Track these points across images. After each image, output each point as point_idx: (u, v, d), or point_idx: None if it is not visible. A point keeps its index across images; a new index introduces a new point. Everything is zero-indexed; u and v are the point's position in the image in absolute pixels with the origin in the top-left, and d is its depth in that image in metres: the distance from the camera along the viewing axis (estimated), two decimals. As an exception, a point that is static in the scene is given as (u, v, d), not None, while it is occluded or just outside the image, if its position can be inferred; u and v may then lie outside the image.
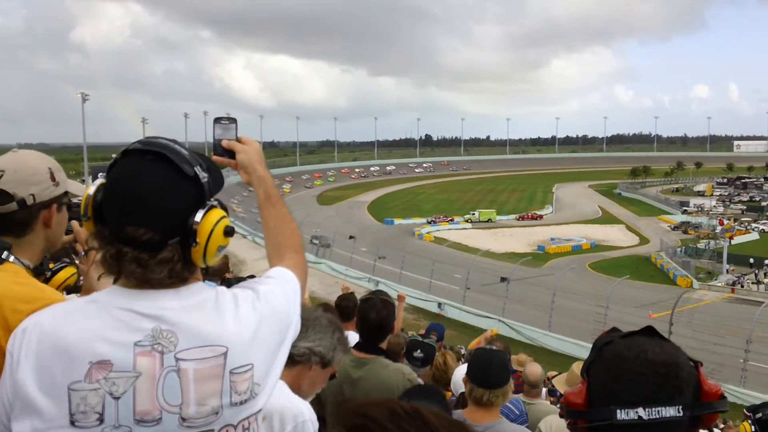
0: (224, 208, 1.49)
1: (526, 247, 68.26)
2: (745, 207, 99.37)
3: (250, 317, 1.46)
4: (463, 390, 3.63)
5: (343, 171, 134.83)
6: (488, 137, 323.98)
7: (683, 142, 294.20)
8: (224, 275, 6.23)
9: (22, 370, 1.34)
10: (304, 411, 2.21)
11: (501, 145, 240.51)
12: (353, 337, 3.89)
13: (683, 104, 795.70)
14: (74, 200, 2.12)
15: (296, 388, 2.40)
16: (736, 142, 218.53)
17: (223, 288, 1.52)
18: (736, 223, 79.45)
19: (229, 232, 1.47)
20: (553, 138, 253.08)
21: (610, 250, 68.25)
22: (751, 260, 58.01)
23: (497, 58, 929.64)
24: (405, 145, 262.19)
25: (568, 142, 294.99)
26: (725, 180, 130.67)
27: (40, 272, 2.07)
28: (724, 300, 47.50)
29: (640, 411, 1.27)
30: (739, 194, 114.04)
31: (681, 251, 62.15)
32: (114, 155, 1.49)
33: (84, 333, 1.35)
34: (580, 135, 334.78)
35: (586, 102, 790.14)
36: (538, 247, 68.27)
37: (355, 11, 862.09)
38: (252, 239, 59.38)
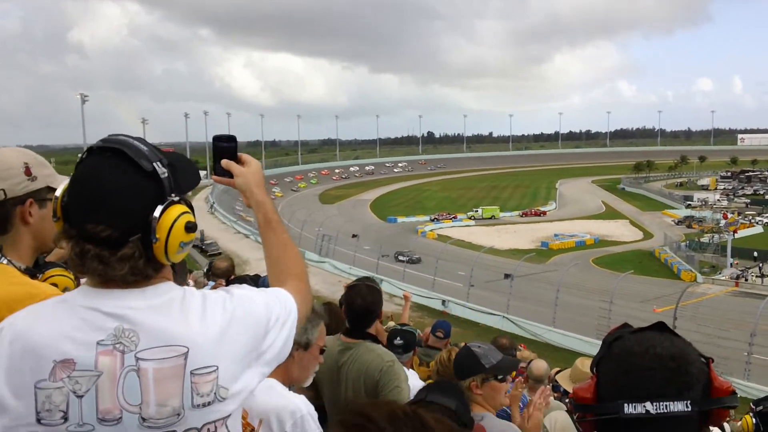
0: (188, 204, 1.48)
1: (529, 244, 68.18)
2: (749, 200, 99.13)
3: (217, 318, 1.45)
4: None
5: (323, 172, 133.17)
6: (491, 134, 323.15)
7: (687, 136, 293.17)
8: (230, 276, 6.29)
9: None
10: (301, 406, 2.22)
11: (504, 141, 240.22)
12: None
13: (687, 98, 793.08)
14: None
15: (290, 380, 2.42)
16: (740, 136, 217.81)
17: (193, 289, 1.52)
18: (740, 217, 79.33)
19: (191, 227, 1.46)
20: (556, 134, 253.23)
21: (613, 245, 68.17)
22: (755, 254, 57.86)
23: (499, 54, 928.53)
24: (407, 143, 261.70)
25: (572, 138, 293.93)
26: (729, 174, 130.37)
27: (32, 275, 2.02)
28: (728, 294, 47.39)
29: (648, 405, 1.26)
30: (743, 188, 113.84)
31: (685, 245, 61.99)
32: (79, 154, 1.50)
33: (51, 332, 1.37)
34: (583, 130, 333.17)
35: (589, 97, 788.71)
36: (542, 243, 68.21)
37: (356, 8, 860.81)
38: (255, 239, 59.46)
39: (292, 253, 1.80)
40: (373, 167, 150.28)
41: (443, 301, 37.65)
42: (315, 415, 2.29)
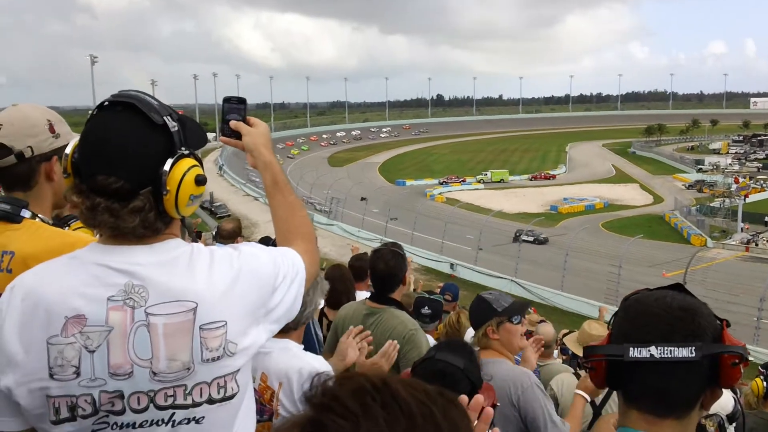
0: (198, 159, 1.49)
1: (539, 208, 68.14)
2: (761, 165, 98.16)
3: (225, 274, 1.45)
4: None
5: (312, 138, 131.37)
6: (501, 97, 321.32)
7: (699, 99, 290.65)
8: (237, 238, 6.26)
9: (7, 326, 1.38)
10: (317, 366, 2.23)
11: (514, 104, 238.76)
12: (365, 297, 3.97)
13: (699, 61, 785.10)
14: None
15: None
16: (752, 99, 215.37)
17: (200, 245, 1.52)
18: (752, 181, 78.74)
19: (200, 180, 1.47)
20: (567, 96, 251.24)
21: (623, 209, 67.97)
22: (767, 218, 57.59)
23: (511, 15, 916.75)
24: (416, 106, 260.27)
25: (582, 101, 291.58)
26: (741, 137, 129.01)
27: (59, 226, 2.07)
28: (739, 259, 47.32)
29: (653, 349, 1.26)
30: (755, 152, 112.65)
31: (695, 210, 61.75)
32: (90, 111, 1.49)
33: (62, 289, 1.38)
34: (594, 93, 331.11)
35: (600, 59, 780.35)
36: (551, 207, 68.15)
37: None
38: (264, 201, 59.45)
39: (299, 214, 1.81)
40: (359, 131, 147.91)
41: (451, 265, 37.79)
42: (332, 373, 2.29)
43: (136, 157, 1.39)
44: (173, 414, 1.40)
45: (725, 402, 3.55)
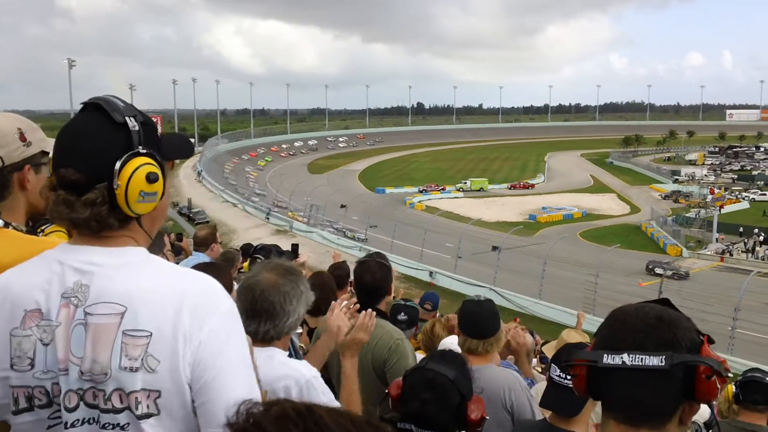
0: (157, 160, 1.53)
1: (517, 216, 68.46)
2: (736, 176, 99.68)
3: (168, 288, 1.45)
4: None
5: (272, 149, 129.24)
6: (481, 105, 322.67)
7: (676, 110, 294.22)
8: (211, 245, 6.18)
9: None
10: (304, 371, 2.24)
11: (494, 113, 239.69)
12: None
13: (677, 72, 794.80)
14: None
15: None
16: (728, 111, 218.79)
17: (160, 258, 1.56)
18: (727, 192, 79.82)
19: (152, 178, 1.49)
20: (546, 106, 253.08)
21: (601, 219, 68.53)
22: (741, 229, 58.39)
23: (493, 24, 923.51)
24: (397, 114, 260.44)
25: (561, 111, 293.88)
26: (717, 149, 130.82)
27: (32, 233, 2.07)
28: (714, 269, 47.88)
29: (624, 356, 1.28)
30: (730, 163, 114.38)
31: (671, 220, 62.48)
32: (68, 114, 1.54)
33: (27, 284, 1.47)
34: (573, 103, 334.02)
35: (580, 70, 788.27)
36: (530, 216, 68.52)
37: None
38: (243, 208, 59.32)
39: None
40: (316, 141, 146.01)
41: (431, 273, 37.80)
42: (319, 377, 2.29)
43: (94, 151, 1.47)
44: (99, 416, 1.41)
45: (702, 410, 3.57)
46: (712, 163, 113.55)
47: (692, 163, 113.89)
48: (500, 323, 3.38)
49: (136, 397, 1.39)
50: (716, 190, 78.01)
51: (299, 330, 3.19)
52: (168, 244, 5.28)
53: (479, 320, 3.30)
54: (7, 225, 1.94)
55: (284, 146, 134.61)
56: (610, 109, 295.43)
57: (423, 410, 2.14)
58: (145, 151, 1.50)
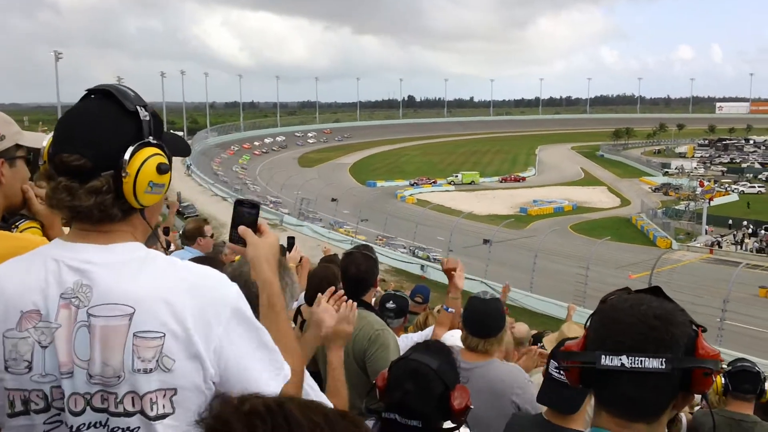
0: (165, 152, 1.49)
1: (508, 209, 68.58)
2: (725, 168, 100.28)
3: (174, 285, 1.41)
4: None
5: (244, 146, 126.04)
6: (472, 98, 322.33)
7: (666, 103, 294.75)
8: (198, 239, 6.13)
9: None
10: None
11: (485, 106, 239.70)
12: None
13: (667, 65, 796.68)
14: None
15: None
16: (718, 104, 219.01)
17: (159, 253, 1.50)
18: (716, 185, 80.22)
19: (162, 169, 1.46)
20: (537, 99, 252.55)
21: (591, 211, 68.82)
22: (730, 221, 58.77)
23: (484, 17, 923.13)
24: (388, 107, 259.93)
25: (552, 104, 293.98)
26: (707, 142, 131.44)
27: (6, 229, 2.02)
28: (703, 261, 48.16)
29: (624, 358, 1.27)
30: (719, 156, 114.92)
31: (661, 213, 62.77)
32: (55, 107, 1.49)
33: (21, 284, 1.40)
34: (564, 96, 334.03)
35: (570, 62, 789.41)
36: (521, 209, 68.70)
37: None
38: (232, 202, 59.07)
39: (287, 346, 1.61)
40: (284, 137, 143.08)
41: (422, 266, 37.85)
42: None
43: (102, 137, 1.41)
44: (108, 419, 1.37)
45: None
46: (701, 156, 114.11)
47: (682, 155, 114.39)
48: (505, 323, 3.35)
49: (151, 398, 1.37)
50: (706, 183, 78.39)
51: (292, 325, 3.15)
52: (162, 236, 5.23)
53: (484, 318, 3.27)
54: None
55: (256, 143, 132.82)
56: (600, 102, 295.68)
57: (405, 400, 2.13)
58: (155, 142, 1.47)
